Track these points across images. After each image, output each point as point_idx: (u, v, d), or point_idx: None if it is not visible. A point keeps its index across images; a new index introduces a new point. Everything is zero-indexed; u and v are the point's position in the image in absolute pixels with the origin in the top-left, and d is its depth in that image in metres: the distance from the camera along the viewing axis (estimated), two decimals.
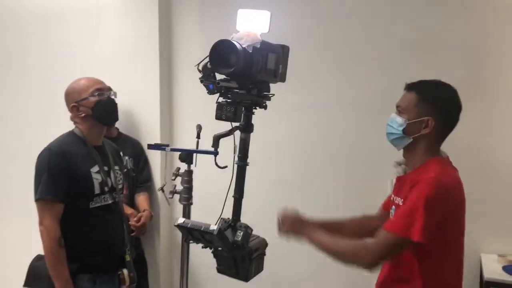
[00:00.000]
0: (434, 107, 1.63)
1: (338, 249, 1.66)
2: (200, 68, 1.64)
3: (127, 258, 2.26)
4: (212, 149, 1.79)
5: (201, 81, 1.64)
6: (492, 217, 2.50)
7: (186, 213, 2.09)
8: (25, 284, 2.22)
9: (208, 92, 1.65)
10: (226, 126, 1.76)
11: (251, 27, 1.62)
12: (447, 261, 1.61)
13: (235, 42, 1.56)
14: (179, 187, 2.09)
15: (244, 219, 1.77)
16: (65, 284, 2.03)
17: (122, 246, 2.25)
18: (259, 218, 1.93)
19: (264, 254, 1.83)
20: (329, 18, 2.81)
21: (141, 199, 3.06)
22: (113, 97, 2.24)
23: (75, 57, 3.35)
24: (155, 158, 3.18)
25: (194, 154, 2.09)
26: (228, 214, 1.78)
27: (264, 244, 1.83)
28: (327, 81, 2.84)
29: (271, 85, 1.78)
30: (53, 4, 3.46)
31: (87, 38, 3.34)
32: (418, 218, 1.50)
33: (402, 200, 1.64)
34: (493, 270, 2.29)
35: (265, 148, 2.67)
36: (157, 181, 3.17)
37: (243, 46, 1.56)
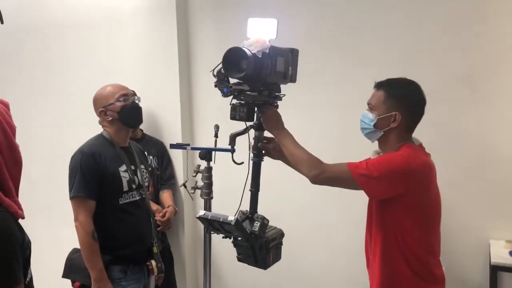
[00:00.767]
0: (400, 103, 1.77)
1: (299, 154, 1.78)
2: (215, 73, 1.75)
3: (155, 250, 2.35)
4: (229, 147, 1.91)
5: (215, 86, 1.75)
6: (501, 206, 2.54)
7: (207, 207, 2.17)
8: (64, 275, 2.31)
9: (222, 95, 1.76)
10: (240, 125, 1.86)
11: (260, 34, 1.72)
12: (417, 226, 1.74)
13: (245, 49, 1.66)
14: (200, 183, 2.17)
15: (261, 211, 1.87)
16: (99, 273, 2.13)
17: (150, 238, 2.33)
18: (275, 211, 2.03)
19: (281, 243, 1.92)
20: (338, 21, 2.85)
21: (166, 195, 3.12)
22: (137, 101, 2.33)
23: (100, 63, 3.44)
24: (177, 157, 3.24)
25: (213, 152, 2.15)
26: (246, 206, 1.87)
27: (280, 234, 1.91)
28: (338, 81, 2.87)
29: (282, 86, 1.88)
30: (78, 13, 3.54)
31: (111, 45, 3.42)
32: (371, 168, 1.66)
33: None
34: (500, 255, 2.36)
35: None
36: (180, 178, 3.23)
37: (253, 51, 1.66)
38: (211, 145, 2.20)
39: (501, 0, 2.50)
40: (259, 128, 1.89)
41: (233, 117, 1.78)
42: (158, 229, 2.87)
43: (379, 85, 1.84)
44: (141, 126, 3.03)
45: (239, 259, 1.91)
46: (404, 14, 2.70)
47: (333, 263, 3.01)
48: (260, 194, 1.91)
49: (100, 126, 2.34)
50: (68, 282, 2.32)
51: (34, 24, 3.78)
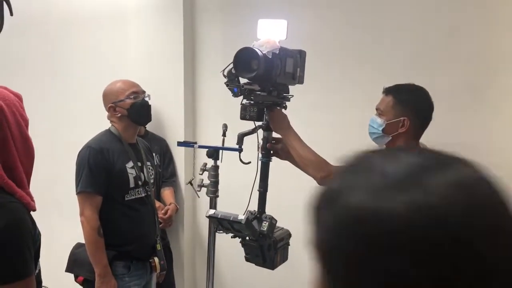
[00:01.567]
0: (409, 109, 1.80)
1: (306, 155, 1.80)
2: (225, 73, 1.76)
3: (158, 247, 2.37)
4: (237, 146, 1.92)
5: (227, 85, 1.77)
6: None
7: (213, 205, 2.17)
8: (67, 269, 2.32)
9: (233, 95, 1.78)
10: (244, 125, 1.88)
11: (270, 35, 1.75)
12: None
13: (256, 49, 1.68)
14: (206, 181, 2.18)
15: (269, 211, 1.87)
16: (103, 269, 2.15)
17: (154, 235, 2.35)
18: (282, 211, 2.02)
19: (288, 244, 1.93)
20: (344, 24, 2.85)
21: (167, 193, 3.11)
22: (147, 99, 2.33)
23: (105, 60, 3.44)
24: (179, 155, 3.23)
25: (220, 151, 2.14)
26: (253, 207, 1.87)
27: (288, 234, 1.93)
28: (342, 82, 2.88)
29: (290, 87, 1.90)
30: (83, 10, 3.54)
31: (116, 43, 3.42)
32: None
33: None
34: None
35: None
36: (181, 176, 3.23)
37: (263, 52, 1.68)
38: (214, 143, 2.21)
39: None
40: (267, 128, 1.90)
41: (243, 117, 1.80)
42: (160, 226, 2.83)
43: (388, 91, 1.86)
44: None
45: (247, 259, 1.92)
46: (408, 18, 2.70)
47: None
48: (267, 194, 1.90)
49: (106, 121, 2.34)
50: (70, 277, 2.33)
51: (39, 21, 3.78)
